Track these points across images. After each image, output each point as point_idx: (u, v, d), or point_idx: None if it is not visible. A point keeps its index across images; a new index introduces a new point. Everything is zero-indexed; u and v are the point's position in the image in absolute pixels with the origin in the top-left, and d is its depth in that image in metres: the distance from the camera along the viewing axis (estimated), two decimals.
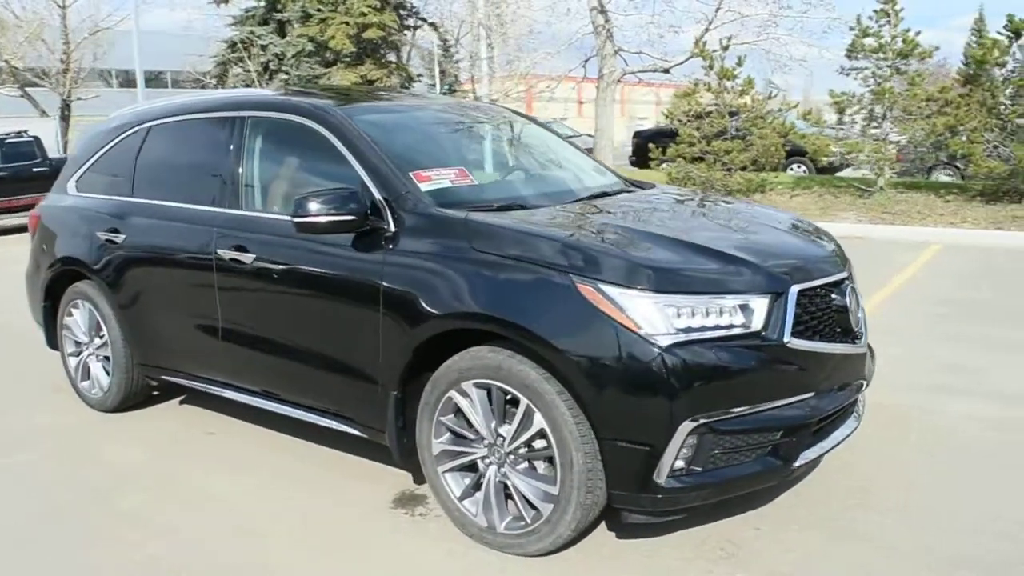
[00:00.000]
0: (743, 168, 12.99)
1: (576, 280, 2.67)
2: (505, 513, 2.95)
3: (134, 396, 4.47)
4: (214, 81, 25.50)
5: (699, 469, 2.66)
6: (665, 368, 2.56)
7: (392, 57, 23.27)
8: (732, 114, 13.60)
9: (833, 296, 2.98)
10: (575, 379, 2.64)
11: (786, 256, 2.97)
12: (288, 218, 3.38)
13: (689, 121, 13.60)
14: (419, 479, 3.53)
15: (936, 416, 4.11)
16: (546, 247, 2.79)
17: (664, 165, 14.06)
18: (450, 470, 3.06)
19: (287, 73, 24.08)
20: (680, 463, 2.63)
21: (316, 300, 3.31)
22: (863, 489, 3.35)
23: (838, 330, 2.97)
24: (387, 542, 3.08)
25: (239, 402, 3.87)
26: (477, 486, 3.01)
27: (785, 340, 2.72)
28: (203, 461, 3.86)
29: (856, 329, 3.08)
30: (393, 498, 3.42)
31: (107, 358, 4.43)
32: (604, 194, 3.70)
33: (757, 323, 2.69)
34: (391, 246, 3.09)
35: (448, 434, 3.06)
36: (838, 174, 17.57)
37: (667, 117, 15.48)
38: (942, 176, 16.06)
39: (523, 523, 2.88)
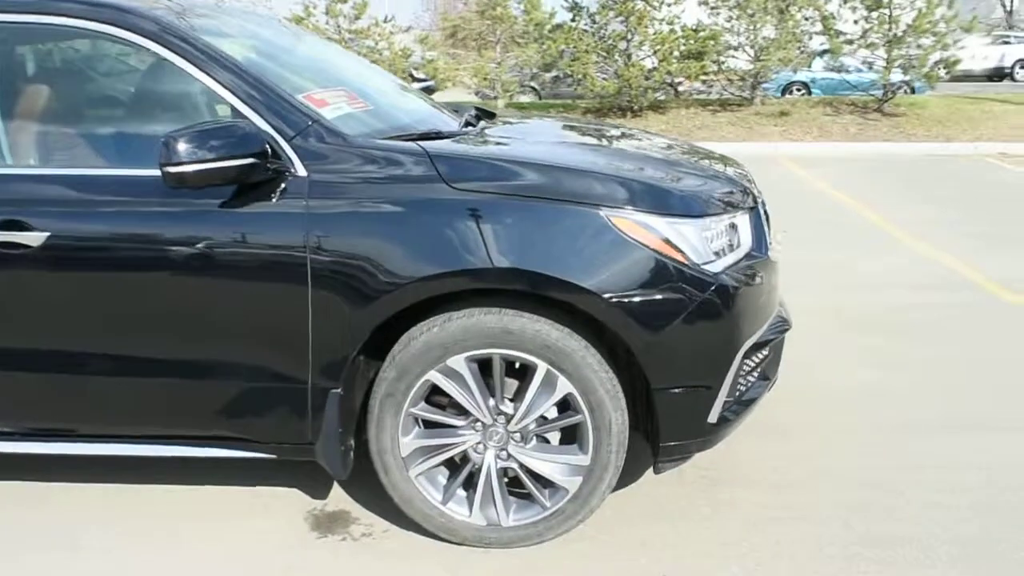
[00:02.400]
0: None
1: (609, 213, 2.22)
2: (510, 503, 2.44)
3: None
4: None
5: (732, 400, 2.48)
6: (720, 297, 2.30)
7: None
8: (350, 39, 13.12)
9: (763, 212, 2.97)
10: (622, 327, 2.23)
11: (736, 174, 2.85)
12: (118, 172, 2.35)
13: None
14: (319, 494, 2.79)
15: None
16: (559, 178, 2.28)
17: None
18: (426, 471, 2.43)
19: None
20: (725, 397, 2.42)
21: (186, 285, 2.30)
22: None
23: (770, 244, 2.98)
24: None
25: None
26: (466, 482, 2.44)
27: (769, 255, 2.62)
28: (23, 546, 2.53)
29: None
30: (309, 526, 2.63)
31: None
32: (481, 118, 3.20)
33: (747, 241, 2.53)
34: (309, 197, 2.25)
35: (418, 428, 2.42)
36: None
37: None
38: (522, 97, 17.60)
39: (538, 508, 2.42)
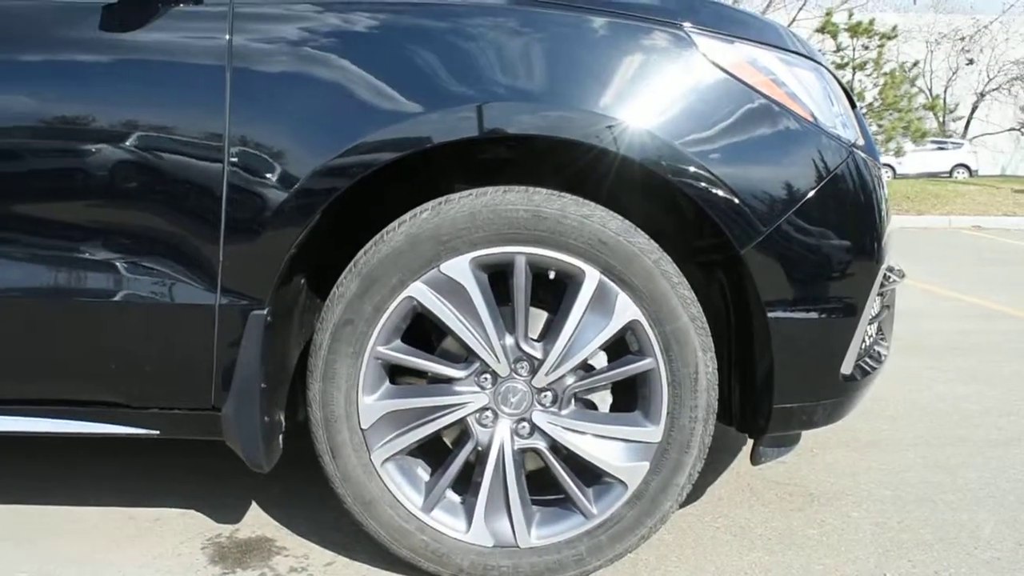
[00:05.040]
0: None
1: (703, 41, 1.45)
2: (532, 511, 1.54)
3: None
4: None
5: (864, 344, 1.66)
6: (858, 173, 1.52)
7: None
8: None
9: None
10: (727, 213, 1.42)
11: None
12: None
13: None
14: (228, 514, 1.84)
15: None
16: None
17: None
18: (399, 456, 1.53)
19: None
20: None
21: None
22: None
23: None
24: None
25: None
26: (461, 479, 1.54)
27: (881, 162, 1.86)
28: None
29: None
30: (207, 557, 1.67)
31: None
32: None
33: (854, 132, 1.76)
34: None
35: (388, 383, 1.52)
36: None
37: None
38: None
39: (578, 518, 1.52)
